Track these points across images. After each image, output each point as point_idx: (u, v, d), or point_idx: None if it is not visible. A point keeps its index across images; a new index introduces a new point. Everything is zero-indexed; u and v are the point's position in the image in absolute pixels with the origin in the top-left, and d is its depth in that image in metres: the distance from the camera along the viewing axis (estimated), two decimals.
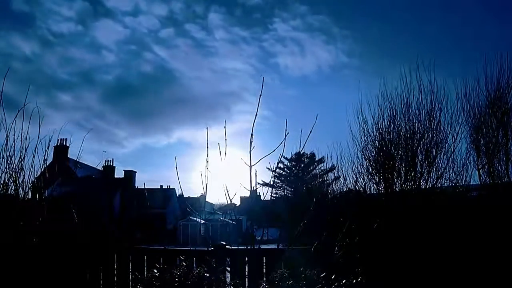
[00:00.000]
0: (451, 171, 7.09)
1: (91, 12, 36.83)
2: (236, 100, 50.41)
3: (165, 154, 55.37)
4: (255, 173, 4.30)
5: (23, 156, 4.96)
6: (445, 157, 7.11)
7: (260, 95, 4.29)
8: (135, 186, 37.91)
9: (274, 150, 4.19)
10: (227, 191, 4.32)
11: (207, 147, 4.40)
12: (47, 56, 37.60)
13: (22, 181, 4.96)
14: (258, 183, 4.39)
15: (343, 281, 3.86)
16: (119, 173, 38.44)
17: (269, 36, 39.81)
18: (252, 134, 4.19)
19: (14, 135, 4.90)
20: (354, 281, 3.90)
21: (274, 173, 5.00)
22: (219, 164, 4.30)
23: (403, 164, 7.20)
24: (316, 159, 25.83)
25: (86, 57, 39.86)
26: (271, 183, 6.14)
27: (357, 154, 7.85)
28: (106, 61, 39.86)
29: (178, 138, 57.10)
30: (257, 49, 42.61)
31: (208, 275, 4.04)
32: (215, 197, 5.85)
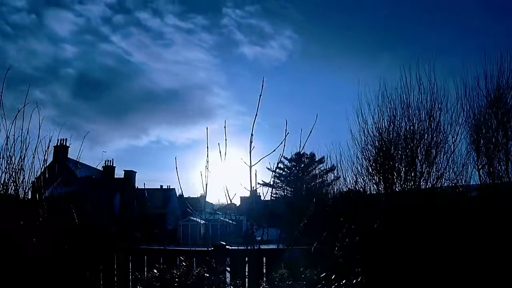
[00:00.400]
0: (451, 171, 7.11)
1: (42, 1, 35.64)
2: (208, 93, 48.82)
3: (153, 154, 54.44)
4: (255, 173, 4.31)
5: (23, 156, 4.96)
6: (445, 157, 7.12)
7: (260, 95, 4.29)
8: (135, 186, 37.88)
9: (274, 150, 4.21)
10: (227, 191, 4.33)
11: (207, 147, 4.42)
12: (10, 49, 36.47)
13: (22, 181, 4.96)
14: (258, 183, 4.39)
15: (343, 281, 3.86)
16: (119, 173, 38.42)
17: (228, 22, 38.62)
18: (252, 134, 4.20)
19: (14, 135, 4.91)
20: (354, 281, 3.89)
21: (274, 173, 5.00)
22: (218, 164, 4.31)
23: (403, 164, 7.21)
24: (316, 159, 25.77)
25: (49, 50, 38.43)
26: (271, 183, 6.19)
27: (357, 154, 7.87)
28: (67, 55, 38.46)
29: (157, 136, 55.47)
30: (218, 38, 41.05)
31: (208, 275, 4.04)
32: (215, 197, 5.84)
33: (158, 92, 45.88)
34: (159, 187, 42.94)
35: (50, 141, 5.16)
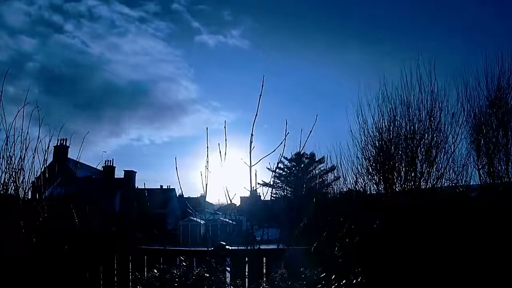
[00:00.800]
0: (451, 171, 7.10)
1: None
2: (176, 86, 47.57)
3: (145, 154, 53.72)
4: (255, 173, 4.32)
5: (23, 156, 4.96)
6: (445, 157, 7.11)
7: (260, 95, 4.31)
8: (135, 186, 37.87)
9: (274, 150, 4.22)
10: (227, 192, 4.34)
11: (207, 147, 4.42)
12: None
13: (22, 181, 4.96)
14: (258, 183, 4.40)
15: (343, 281, 3.86)
16: (119, 174, 38.34)
17: (179, 7, 37.25)
18: (252, 134, 4.21)
19: (14, 135, 4.90)
20: (354, 281, 3.89)
21: (274, 173, 5.01)
22: (219, 164, 4.32)
23: (403, 164, 7.20)
24: (316, 159, 25.80)
25: (7, 42, 37.43)
26: (271, 183, 6.23)
27: (357, 154, 7.86)
28: (26, 47, 36.86)
29: (138, 134, 54.82)
30: (174, 25, 39.73)
31: (208, 275, 4.04)
32: (215, 197, 5.86)
33: (121, 85, 44.34)
34: (159, 187, 42.99)
35: (50, 141, 5.17)
